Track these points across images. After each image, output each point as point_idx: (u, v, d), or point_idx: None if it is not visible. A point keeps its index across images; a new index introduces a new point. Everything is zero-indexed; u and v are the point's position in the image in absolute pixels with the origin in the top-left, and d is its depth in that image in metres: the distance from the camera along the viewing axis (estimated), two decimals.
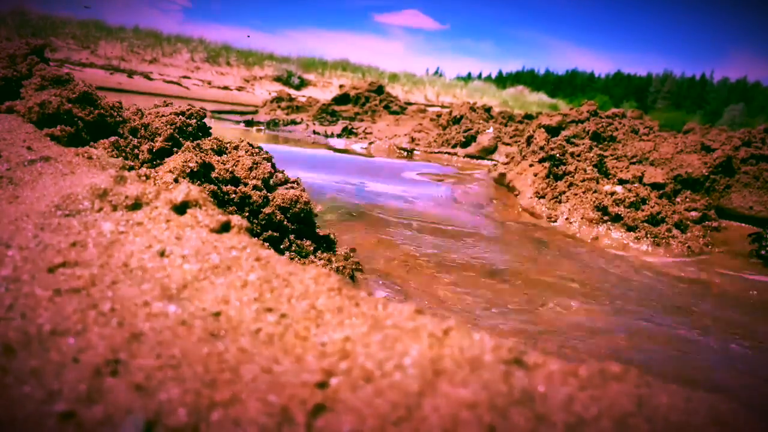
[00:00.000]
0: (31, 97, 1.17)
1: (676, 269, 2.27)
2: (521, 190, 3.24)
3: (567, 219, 2.86)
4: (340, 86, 12.01)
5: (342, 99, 7.44)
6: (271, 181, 1.38)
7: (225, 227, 0.65)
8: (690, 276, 2.16)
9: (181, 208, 0.68)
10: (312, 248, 1.36)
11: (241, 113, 8.08)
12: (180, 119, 1.35)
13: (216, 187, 1.18)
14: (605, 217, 2.91)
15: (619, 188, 3.20)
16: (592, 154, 3.60)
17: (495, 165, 4.30)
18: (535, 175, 3.30)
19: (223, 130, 5.55)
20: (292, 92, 12.39)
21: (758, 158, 3.88)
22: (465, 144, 5.08)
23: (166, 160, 1.20)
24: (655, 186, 3.69)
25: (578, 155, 3.57)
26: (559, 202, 3.09)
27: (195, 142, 1.32)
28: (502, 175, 3.45)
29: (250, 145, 1.48)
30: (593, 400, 0.38)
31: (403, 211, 2.41)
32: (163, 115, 1.36)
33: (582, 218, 2.86)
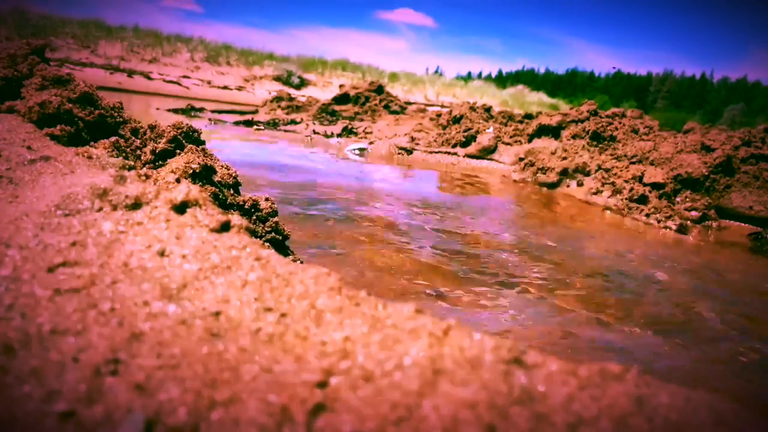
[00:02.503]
0: (31, 96, 1.17)
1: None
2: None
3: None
4: (340, 86, 12.01)
5: (342, 99, 7.44)
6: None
7: (225, 227, 0.65)
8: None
9: (180, 208, 0.68)
10: None
11: (241, 113, 8.07)
12: (187, 125, 1.34)
13: (217, 190, 1.18)
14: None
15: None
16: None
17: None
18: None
19: (223, 130, 5.55)
20: (292, 92, 12.39)
21: (758, 158, 3.89)
22: (465, 144, 5.08)
23: (169, 161, 1.20)
24: (655, 186, 3.69)
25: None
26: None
27: (201, 147, 1.31)
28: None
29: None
30: (593, 399, 0.38)
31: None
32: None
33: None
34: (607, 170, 4.03)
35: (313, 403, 0.37)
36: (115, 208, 0.66)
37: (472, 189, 3.73)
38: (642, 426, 0.36)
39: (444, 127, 5.42)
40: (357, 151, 5.08)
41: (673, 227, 3.18)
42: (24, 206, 0.68)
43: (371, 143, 5.47)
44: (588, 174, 3.99)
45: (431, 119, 6.02)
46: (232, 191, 1.25)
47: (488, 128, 5.11)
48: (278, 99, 8.06)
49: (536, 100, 23.90)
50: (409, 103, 9.28)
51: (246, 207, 1.26)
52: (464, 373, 0.40)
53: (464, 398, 0.37)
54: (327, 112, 7.02)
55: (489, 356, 0.42)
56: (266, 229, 1.26)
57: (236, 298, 0.52)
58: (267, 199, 1.30)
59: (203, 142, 1.39)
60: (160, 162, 1.23)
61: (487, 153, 4.87)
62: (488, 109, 5.75)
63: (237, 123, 6.57)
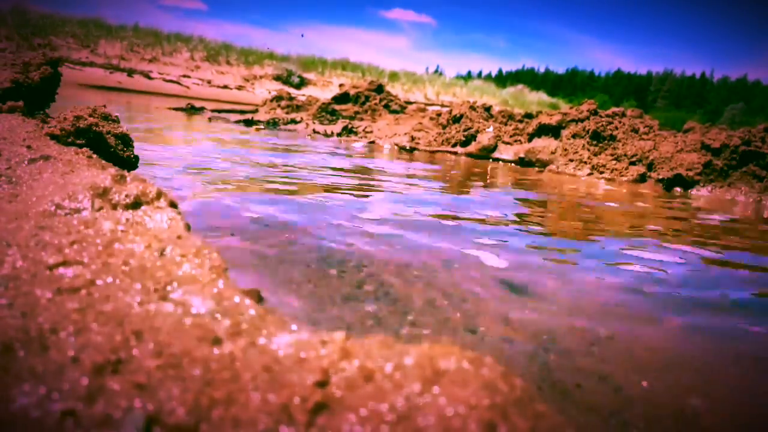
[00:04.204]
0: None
1: None
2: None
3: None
4: (340, 85, 11.99)
5: (342, 98, 7.43)
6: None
7: None
8: None
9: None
10: None
11: (241, 112, 8.07)
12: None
13: None
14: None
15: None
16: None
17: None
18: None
19: (222, 130, 5.55)
20: (292, 91, 12.39)
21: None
22: (465, 143, 5.07)
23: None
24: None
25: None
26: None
27: None
28: None
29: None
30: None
31: None
32: None
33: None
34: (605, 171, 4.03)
35: (314, 402, 0.37)
36: (115, 207, 0.66)
37: None
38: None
39: (444, 127, 5.42)
40: (365, 146, 5.14)
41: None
42: (24, 205, 0.68)
43: (371, 142, 5.47)
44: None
45: (431, 118, 6.02)
46: None
47: (488, 127, 5.11)
48: (278, 98, 8.06)
49: (536, 99, 23.91)
50: (409, 103, 9.27)
51: None
52: (465, 373, 0.40)
53: (465, 398, 0.37)
54: (327, 112, 7.02)
55: (489, 356, 0.42)
56: None
57: (237, 297, 0.52)
58: None
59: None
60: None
61: (487, 152, 4.87)
62: (488, 109, 5.74)
63: (237, 122, 6.57)
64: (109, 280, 0.52)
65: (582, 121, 4.50)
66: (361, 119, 6.89)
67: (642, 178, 3.96)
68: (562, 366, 0.84)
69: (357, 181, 2.73)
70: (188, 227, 0.66)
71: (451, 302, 1.07)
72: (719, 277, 1.54)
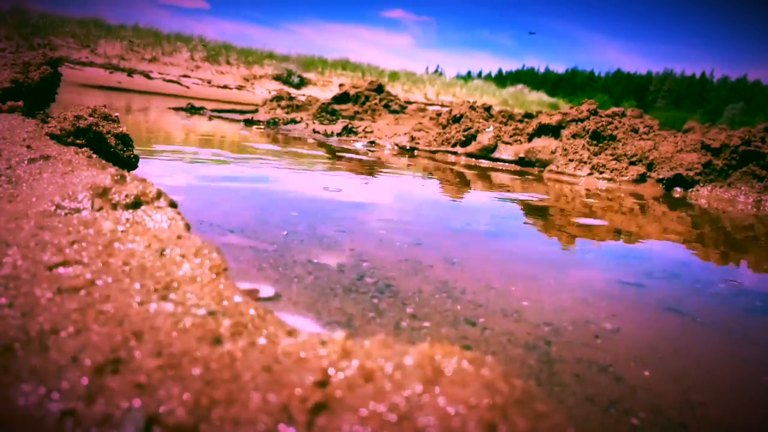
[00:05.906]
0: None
1: None
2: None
3: None
4: (340, 85, 11.99)
5: (342, 98, 7.42)
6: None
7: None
8: None
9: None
10: None
11: (241, 112, 8.07)
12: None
13: None
14: None
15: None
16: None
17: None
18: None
19: (222, 129, 5.55)
20: (292, 91, 12.40)
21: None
22: (465, 143, 5.07)
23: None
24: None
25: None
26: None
27: None
28: None
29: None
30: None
31: None
32: None
33: None
34: (607, 171, 4.03)
35: (314, 402, 0.37)
36: (115, 207, 0.66)
37: None
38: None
39: (444, 127, 5.42)
40: (367, 144, 5.25)
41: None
42: (24, 205, 0.68)
43: (372, 143, 5.47)
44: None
45: (431, 118, 6.01)
46: None
47: (488, 127, 5.11)
48: (278, 98, 8.05)
49: (536, 99, 23.91)
50: (409, 103, 9.27)
51: None
52: (465, 373, 0.40)
53: (465, 398, 0.37)
54: (327, 111, 7.02)
55: (489, 356, 0.42)
56: None
57: (237, 297, 0.52)
58: None
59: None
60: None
61: (487, 152, 4.87)
62: (488, 109, 5.73)
63: (237, 122, 6.57)
64: (109, 280, 0.52)
65: (582, 121, 4.50)
66: (361, 119, 6.89)
67: (642, 178, 3.96)
68: None
69: None
70: (188, 227, 0.66)
71: None
72: None
